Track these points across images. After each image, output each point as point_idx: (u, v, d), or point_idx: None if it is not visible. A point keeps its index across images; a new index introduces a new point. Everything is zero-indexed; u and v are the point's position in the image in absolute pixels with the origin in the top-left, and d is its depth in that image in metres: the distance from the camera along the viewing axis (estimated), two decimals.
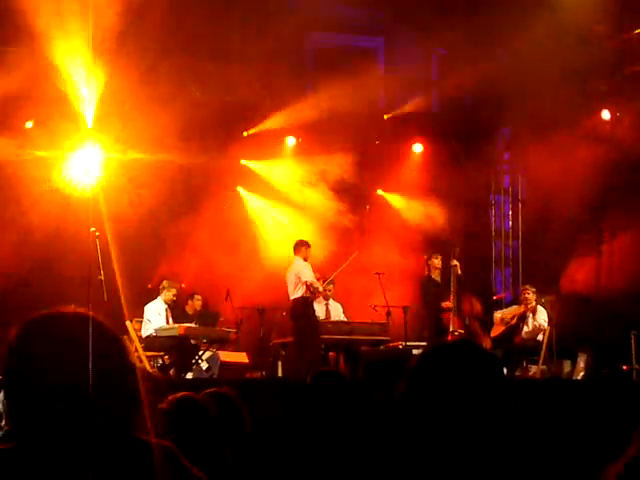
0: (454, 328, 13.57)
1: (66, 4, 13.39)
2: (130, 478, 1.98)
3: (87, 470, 1.92)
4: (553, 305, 14.56)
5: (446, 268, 13.85)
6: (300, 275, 13.26)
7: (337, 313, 14.53)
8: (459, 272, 13.74)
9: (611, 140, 14.88)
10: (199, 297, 14.48)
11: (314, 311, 13.59)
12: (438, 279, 13.88)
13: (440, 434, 2.32)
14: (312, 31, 16.06)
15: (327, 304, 14.45)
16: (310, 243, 13.70)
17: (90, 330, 2.00)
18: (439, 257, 13.92)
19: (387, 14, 15.46)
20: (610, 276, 15.65)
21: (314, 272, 13.57)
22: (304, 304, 13.29)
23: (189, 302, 14.45)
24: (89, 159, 15.15)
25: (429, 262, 13.95)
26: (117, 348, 2.08)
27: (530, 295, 14.03)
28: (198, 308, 14.40)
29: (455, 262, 13.77)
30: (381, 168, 17.01)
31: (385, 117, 16.58)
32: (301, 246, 13.54)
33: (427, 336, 13.76)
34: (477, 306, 13.95)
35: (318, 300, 14.11)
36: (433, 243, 15.07)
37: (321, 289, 13.62)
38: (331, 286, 14.37)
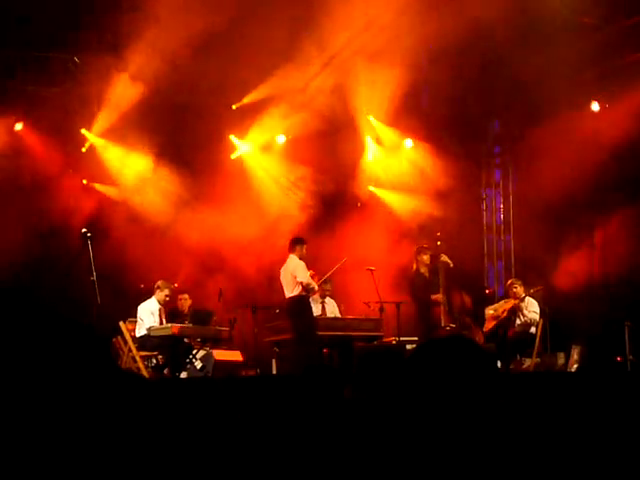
0: (446, 323, 13.59)
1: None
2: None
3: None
4: (545, 297, 14.58)
5: (434, 263, 13.89)
6: (295, 275, 13.22)
7: (333, 310, 14.52)
8: (450, 264, 13.77)
9: (600, 132, 14.88)
10: (181, 296, 14.45)
11: (311, 308, 13.57)
12: (426, 274, 13.90)
13: (435, 428, 2.32)
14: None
15: (323, 302, 14.45)
16: (305, 240, 13.67)
17: (72, 333, 2.00)
18: (428, 253, 13.94)
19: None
20: (603, 267, 15.67)
21: (309, 269, 13.56)
22: (301, 302, 13.25)
23: (179, 300, 14.45)
24: (84, 162, 15.21)
25: (418, 257, 13.98)
26: (101, 351, 2.07)
27: (518, 289, 14.04)
28: (184, 307, 14.37)
29: (444, 257, 13.78)
30: (372, 164, 17.03)
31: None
32: (296, 244, 13.47)
33: (419, 331, 13.80)
34: (467, 300, 13.97)
35: (314, 298, 14.10)
36: (420, 238, 15.08)
37: (317, 288, 13.59)
38: (329, 285, 14.35)
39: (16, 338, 2.00)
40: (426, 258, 13.90)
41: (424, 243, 14.30)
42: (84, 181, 15.62)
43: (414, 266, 13.99)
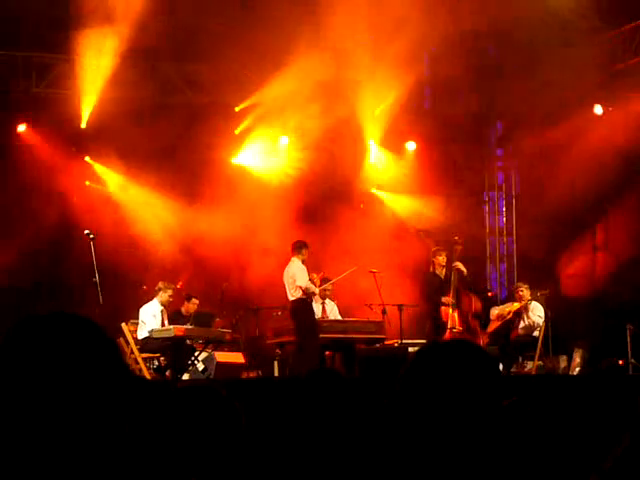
0: (453, 325, 13.57)
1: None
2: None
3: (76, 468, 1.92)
4: (548, 300, 14.56)
5: (449, 265, 13.87)
6: (295, 279, 13.20)
7: (333, 312, 14.51)
8: (464, 272, 13.75)
9: (604, 135, 14.88)
10: (196, 301, 14.38)
11: (313, 311, 13.56)
12: (442, 276, 13.89)
13: (435, 433, 2.32)
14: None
15: (323, 303, 14.42)
16: (307, 243, 13.65)
17: (82, 332, 1.99)
18: (443, 254, 13.89)
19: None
20: (605, 270, 15.66)
21: (314, 271, 13.54)
22: (303, 304, 13.24)
23: (185, 304, 14.41)
24: (85, 163, 15.22)
25: (434, 259, 13.95)
26: (110, 351, 2.06)
27: (524, 292, 14.03)
28: (192, 311, 14.35)
29: (458, 264, 13.76)
30: (375, 166, 17.03)
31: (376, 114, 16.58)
32: (300, 247, 13.45)
33: (427, 332, 13.82)
34: (477, 304, 13.94)
35: (315, 299, 14.07)
36: (436, 241, 15.08)
37: (317, 291, 13.56)
38: (330, 286, 14.32)
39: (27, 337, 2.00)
40: (441, 259, 13.87)
41: (441, 245, 14.29)
42: (87, 182, 15.65)
43: (430, 267, 13.99)
